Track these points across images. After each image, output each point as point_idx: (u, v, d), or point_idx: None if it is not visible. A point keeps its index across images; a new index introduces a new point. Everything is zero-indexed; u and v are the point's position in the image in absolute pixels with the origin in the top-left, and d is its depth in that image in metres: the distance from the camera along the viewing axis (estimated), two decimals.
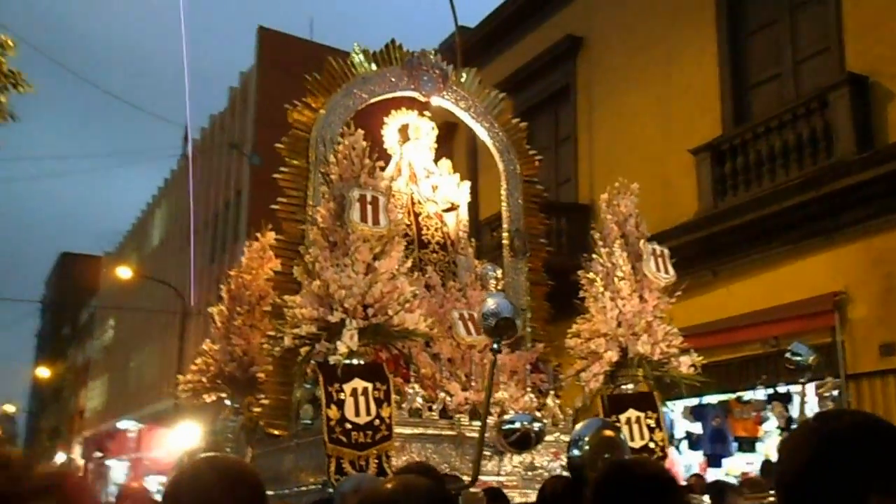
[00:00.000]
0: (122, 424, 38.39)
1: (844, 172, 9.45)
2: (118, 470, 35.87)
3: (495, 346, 4.70)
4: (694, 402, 11.00)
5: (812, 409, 9.98)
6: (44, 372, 56.03)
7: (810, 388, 9.76)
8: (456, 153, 14.07)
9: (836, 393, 9.35)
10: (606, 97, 13.73)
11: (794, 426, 10.08)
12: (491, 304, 4.80)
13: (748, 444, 10.82)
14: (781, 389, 10.28)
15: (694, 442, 11.19)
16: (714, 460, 10.90)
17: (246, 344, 7.03)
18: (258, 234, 7.62)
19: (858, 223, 9.46)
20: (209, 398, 7.26)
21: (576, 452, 3.78)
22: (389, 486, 2.11)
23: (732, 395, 10.92)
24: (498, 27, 16.22)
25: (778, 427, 10.37)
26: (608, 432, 3.90)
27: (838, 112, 9.73)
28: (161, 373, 34.11)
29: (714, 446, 10.93)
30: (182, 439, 9.97)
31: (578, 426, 4.14)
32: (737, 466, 10.83)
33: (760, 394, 10.60)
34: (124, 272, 34.04)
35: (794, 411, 10.08)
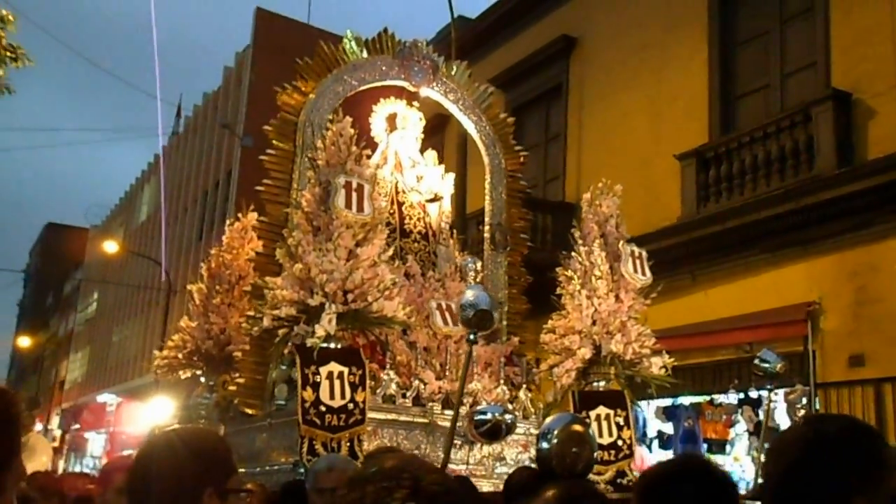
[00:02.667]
0: (102, 398, 38.39)
1: (824, 186, 9.60)
2: (96, 443, 35.86)
3: (471, 337, 4.75)
4: (667, 402, 11.15)
5: (781, 414, 10.21)
6: (24, 341, 55.75)
7: (780, 393, 9.99)
8: (447, 145, 14.18)
9: (804, 400, 9.58)
10: (597, 98, 13.84)
11: (761, 431, 10.27)
12: (469, 295, 4.84)
13: (718, 446, 10.95)
14: (753, 394, 10.46)
15: (665, 441, 11.32)
16: None
17: (224, 322, 7.08)
18: (239, 215, 7.67)
19: (835, 236, 9.61)
20: (184, 374, 7.32)
21: (545, 445, 3.86)
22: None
23: (705, 398, 11.08)
24: (496, 22, 16.33)
25: (747, 430, 10.53)
26: (577, 427, 3.97)
27: (821, 127, 9.87)
28: (143, 348, 34.10)
29: (685, 446, 11.02)
30: (155, 414, 10.01)
31: (548, 420, 4.22)
32: None
33: (732, 397, 10.76)
34: (110, 246, 34.00)
35: (761, 416, 10.27)
